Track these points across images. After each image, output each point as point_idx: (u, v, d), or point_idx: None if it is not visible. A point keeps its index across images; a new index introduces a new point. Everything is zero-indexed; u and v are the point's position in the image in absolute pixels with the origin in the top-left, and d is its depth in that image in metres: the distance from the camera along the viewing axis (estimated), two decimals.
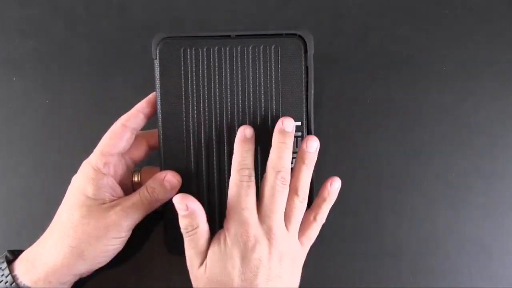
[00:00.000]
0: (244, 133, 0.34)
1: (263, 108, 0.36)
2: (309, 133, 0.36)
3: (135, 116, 0.35)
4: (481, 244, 0.41)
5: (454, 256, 0.40)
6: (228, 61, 0.35)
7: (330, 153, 0.41)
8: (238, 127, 0.35)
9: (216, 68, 0.35)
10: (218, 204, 0.36)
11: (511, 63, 0.43)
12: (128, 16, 0.43)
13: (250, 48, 0.35)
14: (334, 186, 0.36)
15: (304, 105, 0.35)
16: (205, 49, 0.35)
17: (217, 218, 0.36)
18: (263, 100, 0.35)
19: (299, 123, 0.36)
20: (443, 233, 0.41)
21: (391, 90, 0.42)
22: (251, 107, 0.35)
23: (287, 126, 0.34)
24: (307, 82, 0.35)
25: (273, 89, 0.35)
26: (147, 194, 0.34)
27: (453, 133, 0.42)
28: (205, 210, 0.35)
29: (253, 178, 0.33)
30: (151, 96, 0.36)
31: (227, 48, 0.35)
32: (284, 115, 0.36)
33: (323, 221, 0.36)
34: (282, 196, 0.33)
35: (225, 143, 0.36)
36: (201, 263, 0.33)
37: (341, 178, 0.41)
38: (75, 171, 0.35)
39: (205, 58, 0.35)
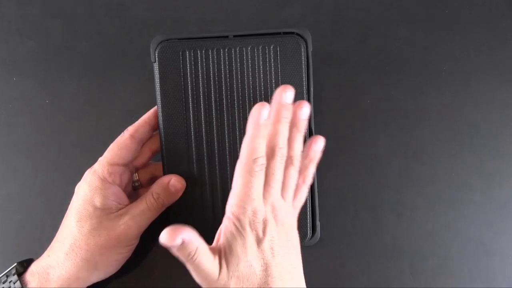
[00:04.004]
0: (261, 114, 0.31)
1: None
2: (310, 130, 0.36)
3: (142, 127, 0.35)
4: (481, 244, 0.41)
5: (454, 256, 0.40)
6: (227, 63, 0.35)
7: (330, 153, 0.41)
8: (239, 128, 0.35)
9: (216, 70, 0.35)
10: (221, 205, 0.36)
11: (511, 63, 0.43)
12: (128, 16, 0.43)
13: (249, 48, 0.35)
14: (317, 145, 0.35)
15: None
16: (203, 51, 0.35)
17: (220, 215, 0.36)
18: (263, 99, 0.35)
19: None
20: (443, 233, 0.41)
21: (391, 90, 0.42)
22: (252, 105, 0.35)
23: (286, 97, 0.32)
24: (307, 80, 0.35)
25: (273, 89, 0.35)
26: (153, 200, 0.34)
27: (453, 133, 0.42)
28: (208, 211, 0.35)
29: (264, 166, 0.31)
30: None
31: (226, 50, 0.35)
32: None
33: (310, 181, 0.35)
34: (280, 170, 0.32)
35: (227, 144, 0.36)
36: (218, 271, 0.31)
37: (341, 178, 0.41)
38: (74, 171, 0.35)
39: (204, 60, 0.35)
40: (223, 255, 0.31)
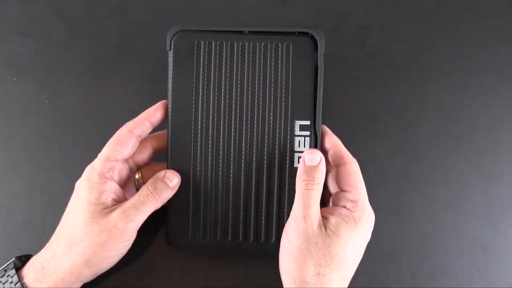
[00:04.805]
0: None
1: (272, 104, 0.36)
2: (316, 132, 0.36)
3: (142, 124, 0.35)
4: (481, 244, 0.41)
5: (454, 256, 0.40)
6: (240, 56, 0.36)
7: None
8: (246, 119, 0.36)
9: (228, 62, 0.36)
10: (225, 199, 0.36)
11: (511, 63, 0.43)
12: (128, 16, 0.43)
13: (262, 44, 0.36)
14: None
15: (312, 104, 0.36)
16: (218, 43, 0.36)
17: (219, 214, 0.36)
18: (272, 97, 0.36)
19: (307, 122, 0.36)
20: (443, 233, 0.41)
21: (391, 90, 0.42)
22: (260, 102, 0.36)
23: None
24: (316, 81, 0.36)
25: (283, 86, 0.36)
26: (147, 191, 0.34)
27: (453, 133, 0.42)
28: (212, 206, 0.36)
29: None
30: (158, 104, 0.36)
31: (240, 44, 0.36)
32: (293, 112, 0.36)
33: None
34: None
35: (232, 135, 0.36)
36: (321, 223, 0.33)
37: None
38: (75, 170, 0.35)
39: (217, 52, 0.36)
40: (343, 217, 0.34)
